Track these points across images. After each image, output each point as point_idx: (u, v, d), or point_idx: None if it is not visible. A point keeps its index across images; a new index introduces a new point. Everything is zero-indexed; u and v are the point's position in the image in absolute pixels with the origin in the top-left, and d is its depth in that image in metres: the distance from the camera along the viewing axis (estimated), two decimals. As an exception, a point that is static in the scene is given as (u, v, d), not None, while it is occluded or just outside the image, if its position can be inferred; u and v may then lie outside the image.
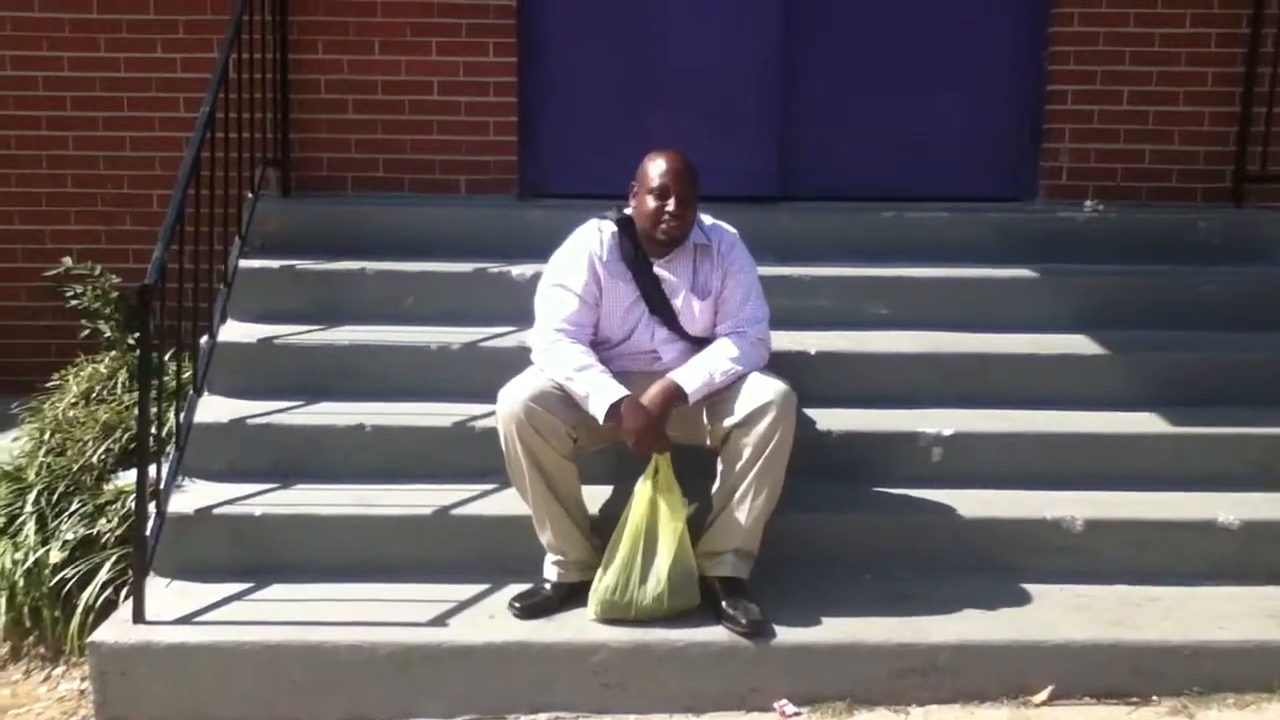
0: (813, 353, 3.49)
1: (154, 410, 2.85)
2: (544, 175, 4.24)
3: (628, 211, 2.98)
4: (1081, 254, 3.94)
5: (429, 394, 3.34)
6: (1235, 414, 3.42)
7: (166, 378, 3.10)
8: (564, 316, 2.88)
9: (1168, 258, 3.94)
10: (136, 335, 2.75)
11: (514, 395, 2.77)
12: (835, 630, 2.80)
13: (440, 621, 2.79)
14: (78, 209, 4.04)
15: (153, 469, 2.92)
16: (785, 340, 3.53)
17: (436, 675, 2.71)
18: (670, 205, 2.86)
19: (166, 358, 3.06)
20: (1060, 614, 2.90)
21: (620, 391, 2.75)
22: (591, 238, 2.96)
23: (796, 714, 2.73)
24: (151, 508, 2.83)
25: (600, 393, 2.74)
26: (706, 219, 3.04)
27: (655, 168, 2.89)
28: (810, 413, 3.37)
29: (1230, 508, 3.13)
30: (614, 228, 2.96)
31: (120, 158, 3.99)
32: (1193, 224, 4.02)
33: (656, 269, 2.96)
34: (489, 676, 2.72)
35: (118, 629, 2.73)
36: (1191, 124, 4.21)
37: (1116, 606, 2.95)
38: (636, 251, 2.94)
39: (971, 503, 3.16)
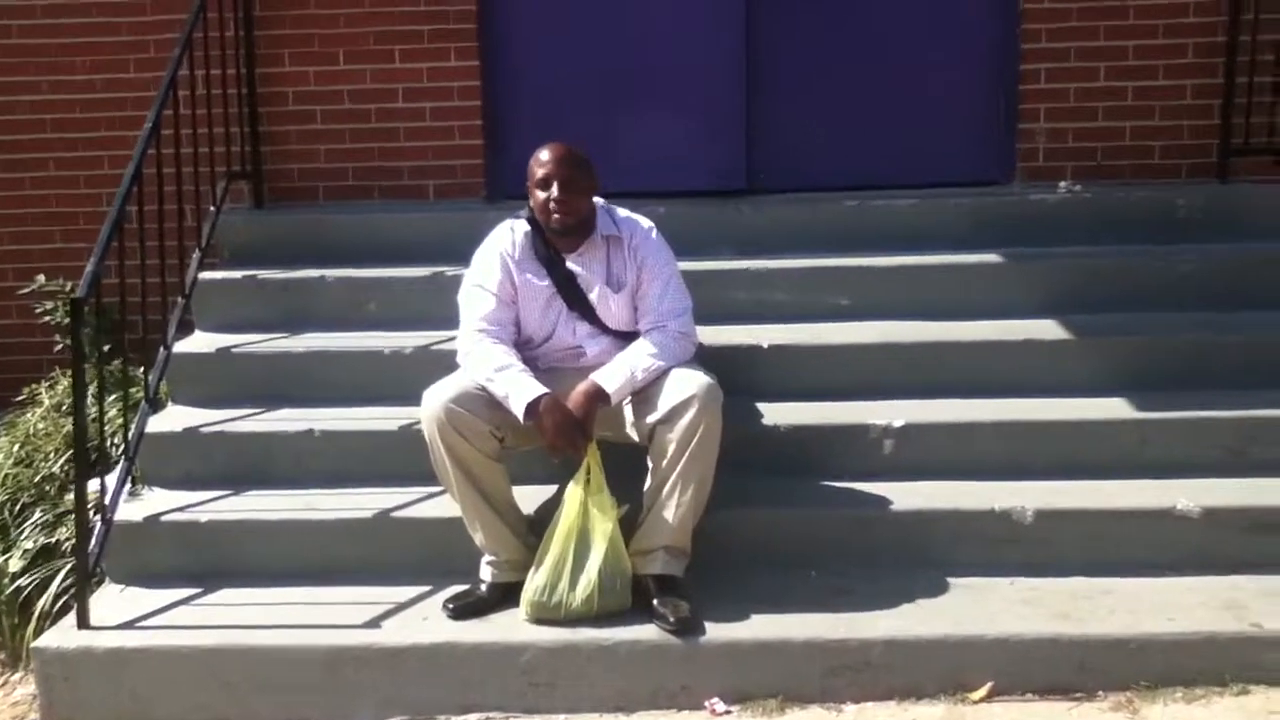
0: (765, 346, 3.45)
1: (92, 419, 2.95)
2: (512, 178, 4.21)
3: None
4: (1054, 236, 3.83)
5: (382, 399, 3.37)
6: (1208, 397, 3.29)
7: (133, 389, 3.21)
8: (483, 316, 2.90)
9: (1146, 237, 3.81)
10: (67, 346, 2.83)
11: (435, 397, 2.79)
12: (767, 627, 2.77)
13: (373, 624, 2.82)
14: (62, 228, 4.16)
15: (108, 479, 3.03)
16: (739, 334, 3.51)
17: (366, 677, 2.74)
18: (554, 192, 2.85)
19: (111, 368, 3.15)
20: (1005, 607, 2.83)
21: (537, 390, 2.75)
22: (503, 237, 2.97)
23: (727, 712, 2.71)
24: (97, 517, 2.92)
25: (519, 392, 2.75)
26: (621, 211, 3.03)
27: (536, 161, 2.91)
28: (760, 407, 3.34)
29: (1192, 495, 3.03)
30: (526, 226, 2.97)
31: (100, 176, 4.09)
32: (1172, 201, 3.88)
33: (569, 264, 2.95)
34: (418, 677, 2.74)
35: (62, 634, 2.82)
36: (1173, 98, 4.06)
37: (1066, 600, 2.87)
38: (548, 248, 2.94)
39: (920, 495, 3.10)
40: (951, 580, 2.95)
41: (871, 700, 2.72)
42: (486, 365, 2.81)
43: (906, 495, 3.10)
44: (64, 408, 3.48)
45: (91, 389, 3.50)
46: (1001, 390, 3.37)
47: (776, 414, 3.30)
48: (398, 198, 4.19)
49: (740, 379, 3.36)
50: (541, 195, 2.88)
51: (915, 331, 3.52)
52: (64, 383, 3.61)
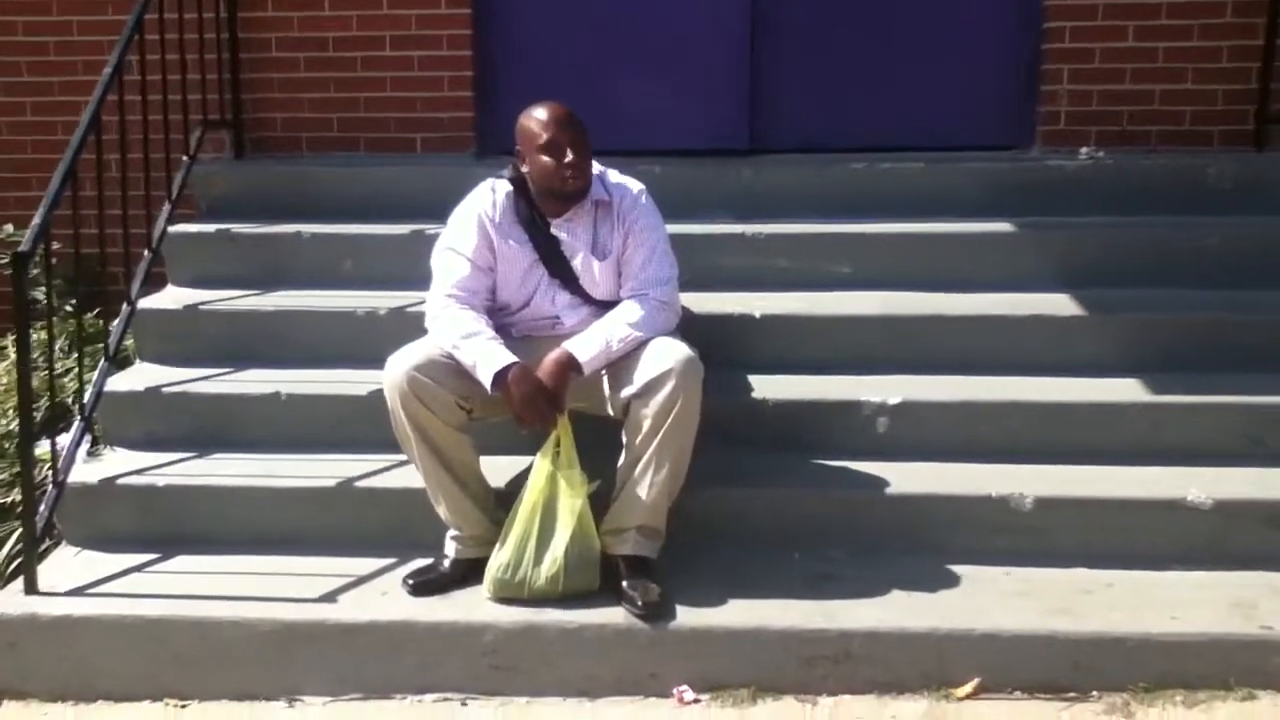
0: (757, 316, 3.27)
1: (56, 375, 2.82)
2: (503, 132, 3.97)
3: (525, 169, 2.80)
4: (1072, 205, 3.61)
5: (355, 361, 3.19)
6: (1228, 381, 3.09)
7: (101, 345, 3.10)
8: (454, 282, 2.74)
9: (1170, 208, 3.58)
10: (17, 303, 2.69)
11: (399, 364, 2.64)
12: (742, 613, 2.62)
13: (329, 598, 2.69)
14: (37, 175, 3.99)
15: (64, 439, 2.92)
16: (731, 303, 3.34)
17: (319, 653, 2.62)
18: (568, 157, 2.67)
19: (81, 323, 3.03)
20: (997, 600, 2.67)
21: (507, 359, 2.59)
22: (484, 199, 2.80)
23: (695, 701, 2.56)
24: (49, 478, 2.81)
25: (487, 361, 2.59)
26: (612, 174, 2.85)
27: (538, 123, 2.72)
28: (750, 379, 3.18)
29: (1205, 485, 2.84)
30: (509, 187, 2.79)
31: (75, 122, 3.91)
32: (1201, 170, 3.65)
33: (554, 229, 2.78)
34: (374, 656, 2.61)
35: (8, 599, 2.71)
36: (1207, 60, 3.81)
37: (1063, 593, 2.70)
38: (532, 211, 2.76)
39: (914, 477, 2.93)
40: (943, 569, 2.78)
41: (849, 693, 2.57)
42: (454, 331, 2.65)
43: (899, 477, 2.92)
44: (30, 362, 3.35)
45: (60, 344, 3.39)
46: (1006, 368, 3.17)
47: (766, 387, 3.13)
48: (384, 150, 4.01)
49: (730, 349, 3.20)
50: (549, 160, 2.69)
51: (918, 303, 3.33)
52: (34, 336, 3.47)
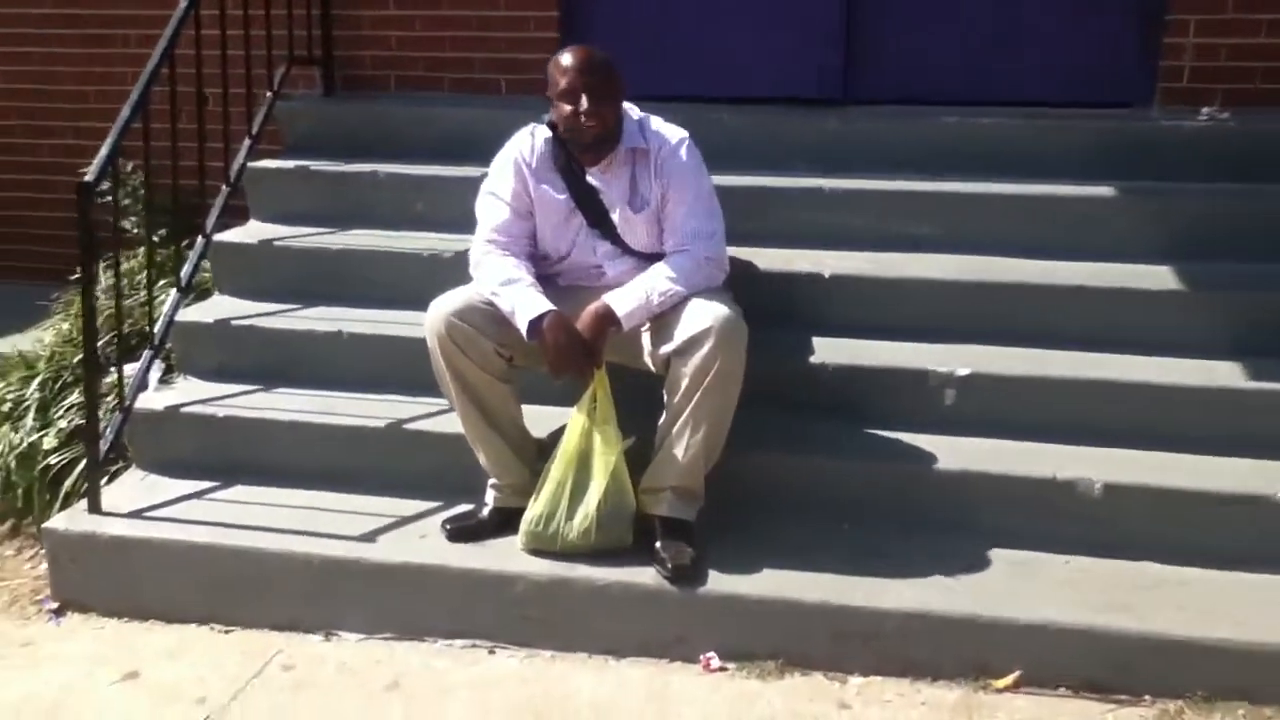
0: (826, 275, 3.14)
1: (140, 303, 2.91)
2: None
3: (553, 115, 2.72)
4: (1185, 171, 3.31)
5: (418, 303, 3.11)
6: (1341, 371, 2.83)
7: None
8: (494, 226, 2.70)
9: (1298, 177, 3.28)
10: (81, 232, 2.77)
11: (438, 309, 2.63)
12: (776, 583, 2.54)
13: (369, 537, 2.73)
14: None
15: (133, 367, 3.02)
16: (801, 260, 3.21)
17: (357, 591, 2.67)
18: (583, 104, 2.58)
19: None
20: (1052, 590, 2.52)
21: (543, 307, 2.54)
22: (522, 143, 2.74)
23: (722, 669, 2.51)
24: (116, 404, 2.92)
25: (524, 308, 2.55)
26: (654, 121, 2.74)
27: (559, 68, 2.63)
28: (814, 341, 3.06)
29: (1297, 482, 2.61)
30: (548, 132, 2.72)
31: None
32: (1341, 136, 3.32)
33: (590, 178, 2.70)
34: (408, 597, 2.65)
35: (71, 518, 2.83)
36: (1361, 11, 3.45)
37: (1126, 587, 2.53)
38: (569, 159, 2.69)
39: (976, 454, 2.78)
40: (998, 552, 2.64)
41: (880, 674, 2.48)
42: (493, 278, 2.62)
43: (962, 453, 2.78)
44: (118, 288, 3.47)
45: (140, 276, 3.50)
46: (1089, 343, 2.97)
47: (829, 351, 3.00)
48: (469, 91, 3.97)
49: (795, 309, 3.11)
50: (567, 107, 2.61)
51: (999, 269, 3.14)
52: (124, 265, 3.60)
